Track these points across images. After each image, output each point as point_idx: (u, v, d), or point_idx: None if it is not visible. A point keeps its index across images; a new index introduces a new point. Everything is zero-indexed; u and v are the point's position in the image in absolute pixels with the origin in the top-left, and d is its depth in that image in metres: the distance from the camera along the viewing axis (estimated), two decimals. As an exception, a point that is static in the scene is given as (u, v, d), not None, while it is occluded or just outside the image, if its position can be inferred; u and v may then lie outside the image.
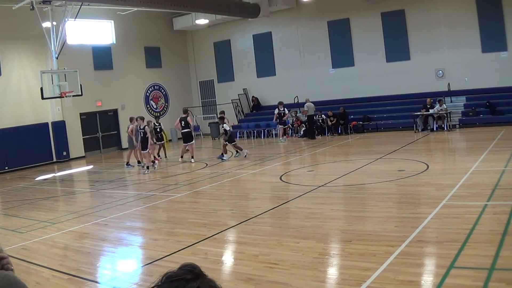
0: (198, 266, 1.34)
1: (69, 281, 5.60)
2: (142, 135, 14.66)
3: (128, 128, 16.32)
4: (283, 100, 21.42)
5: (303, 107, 19.99)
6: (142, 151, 14.91)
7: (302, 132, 20.60)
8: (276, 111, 20.27)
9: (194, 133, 16.76)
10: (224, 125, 15.76)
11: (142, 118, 15.03)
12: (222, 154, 15.67)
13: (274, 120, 20.51)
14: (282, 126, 20.21)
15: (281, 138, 20.08)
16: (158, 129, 16.90)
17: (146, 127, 14.72)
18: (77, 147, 21.39)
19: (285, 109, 20.14)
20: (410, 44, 20.24)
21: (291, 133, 21.39)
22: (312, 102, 22.15)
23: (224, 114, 17.32)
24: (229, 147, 15.85)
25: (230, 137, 15.68)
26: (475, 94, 18.65)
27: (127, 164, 16.40)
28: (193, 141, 16.18)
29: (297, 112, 21.58)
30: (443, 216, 6.62)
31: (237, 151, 15.82)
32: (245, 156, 15.39)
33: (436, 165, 10.96)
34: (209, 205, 9.32)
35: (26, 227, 8.81)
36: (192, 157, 15.82)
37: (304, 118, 20.47)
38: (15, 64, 19.48)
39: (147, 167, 14.58)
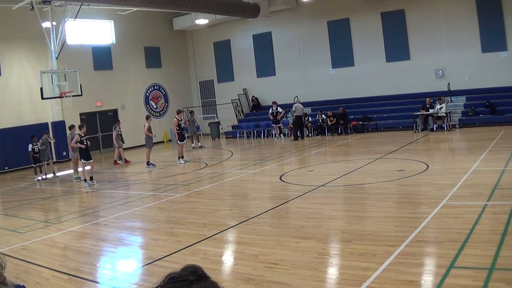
0: (201, 267, 1.33)
1: (69, 281, 5.60)
2: (83, 144, 13.18)
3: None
4: (284, 100, 21.59)
5: (292, 107, 20.14)
6: (84, 161, 13.44)
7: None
8: (270, 110, 20.72)
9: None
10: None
11: (76, 126, 13.96)
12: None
13: (272, 121, 20.95)
14: (276, 125, 20.77)
15: (276, 137, 20.70)
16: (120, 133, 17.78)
17: (78, 135, 13.26)
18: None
19: (278, 108, 20.49)
20: (410, 44, 20.24)
21: (290, 133, 21.41)
22: (312, 102, 22.24)
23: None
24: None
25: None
26: (475, 94, 18.65)
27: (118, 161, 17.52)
28: (182, 141, 16.16)
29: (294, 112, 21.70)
30: (443, 216, 6.61)
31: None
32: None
33: (436, 165, 10.95)
34: (209, 205, 9.31)
35: (26, 227, 8.80)
36: (179, 157, 16.09)
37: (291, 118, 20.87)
38: (15, 64, 19.49)
39: (85, 180, 13.31)
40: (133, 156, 19.62)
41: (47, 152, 16.02)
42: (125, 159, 17.76)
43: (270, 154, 16.52)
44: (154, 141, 16.86)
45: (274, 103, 20.70)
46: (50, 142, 16.44)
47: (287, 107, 21.19)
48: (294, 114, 19.79)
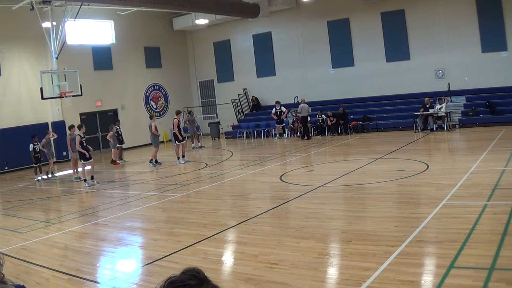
0: (202, 270, 1.30)
1: (69, 281, 5.60)
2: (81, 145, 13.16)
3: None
4: (283, 100, 21.55)
5: (292, 108, 20.21)
6: (83, 162, 13.36)
7: (299, 133, 20.70)
8: (273, 110, 20.69)
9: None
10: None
11: (75, 127, 14.02)
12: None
13: (276, 121, 20.94)
14: (279, 125, 20.80)
15: (276, 137, 20.77)
16: (119, 132, 17.88)
17: (78, 136, 13.26)
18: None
19: (282, 107, 20.50)
20: (410, 44, 20.24)
21: (290, 133, 21.40)
22: (312, 102, 22.24)
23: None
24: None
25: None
26: (475, 94, 18.65)
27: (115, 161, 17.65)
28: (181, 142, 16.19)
29: (296, 112, 21.72)
30: (443, 216, 6.61)
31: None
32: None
33: (436, 165, 10.94)
34: (209, 205, 9.31)
35: (26, 227, 8.81)
36: (179, 157, 16.11)
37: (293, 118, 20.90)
38: (15, 64, 19.48)
39: (85, 180, 13.28)
40: (133, 156, 19.64)
41: (51, 151, 16.18)
42: (115, 161, 17.73)
43: (270, 154, 16.52)
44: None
45: (278, 102, 20.71)
46: (51, 140, 16.43)
47: (287, 107, 21.18)
48: (300, 115, 19.78)
